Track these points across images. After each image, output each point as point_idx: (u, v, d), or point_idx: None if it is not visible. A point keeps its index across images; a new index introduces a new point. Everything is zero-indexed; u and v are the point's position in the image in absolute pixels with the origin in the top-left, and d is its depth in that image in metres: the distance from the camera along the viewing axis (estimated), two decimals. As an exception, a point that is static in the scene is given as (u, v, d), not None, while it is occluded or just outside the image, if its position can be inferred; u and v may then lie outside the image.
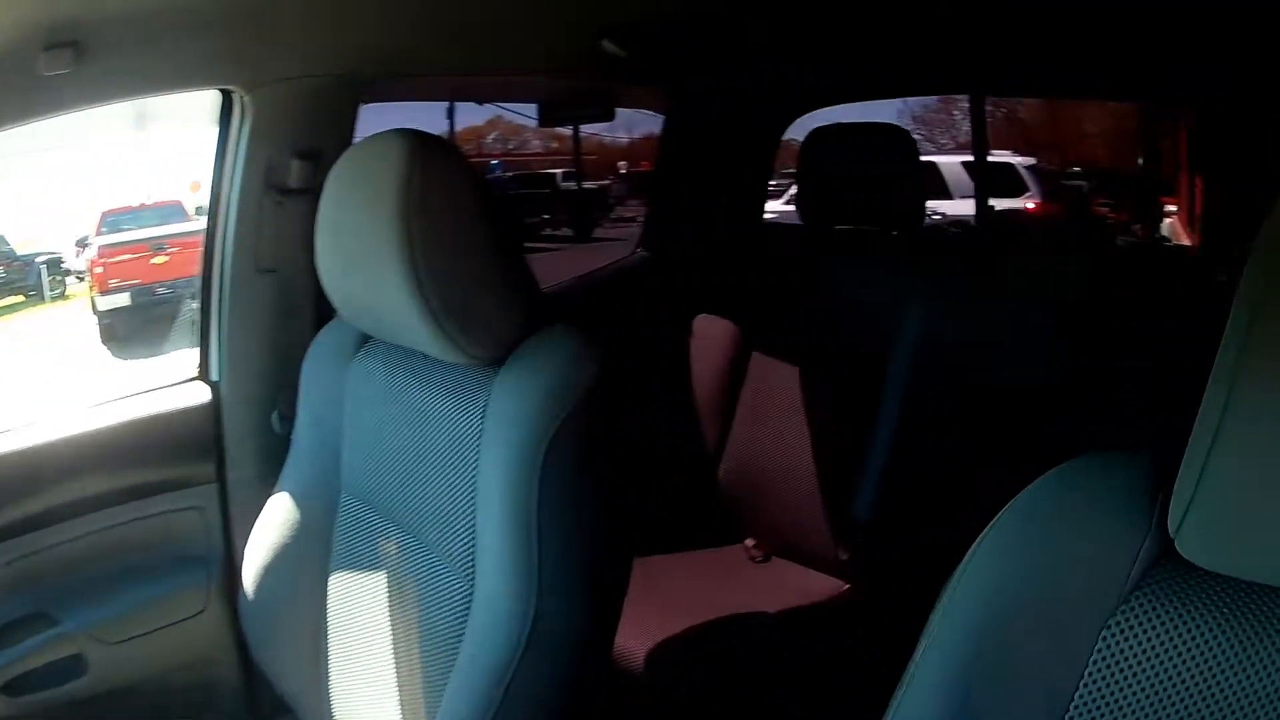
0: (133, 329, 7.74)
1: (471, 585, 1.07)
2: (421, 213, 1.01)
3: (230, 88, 1.47)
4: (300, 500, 1.30)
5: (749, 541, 2.08)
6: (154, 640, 1.54)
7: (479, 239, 1.06)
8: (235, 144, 1.50)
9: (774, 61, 2.01)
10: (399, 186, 1.01)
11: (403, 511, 1.17)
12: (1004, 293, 1.93)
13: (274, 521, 1.30)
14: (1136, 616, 0.65)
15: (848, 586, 1.94)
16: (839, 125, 2.09)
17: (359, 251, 1.08)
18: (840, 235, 2.08)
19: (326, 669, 1.27)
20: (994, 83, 2.51)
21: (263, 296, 1.56)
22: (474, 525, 1.07)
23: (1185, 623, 0.63)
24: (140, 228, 8.10)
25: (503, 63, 1.76)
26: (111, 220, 8.64)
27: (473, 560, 1.07)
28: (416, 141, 1.04)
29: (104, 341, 7.84)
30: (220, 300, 1.57)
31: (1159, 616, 0.64)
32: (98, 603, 1.51)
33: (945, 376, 1.92)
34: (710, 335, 2.14)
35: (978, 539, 0.74)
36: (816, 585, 1.95)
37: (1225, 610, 0.62)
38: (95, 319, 8.25)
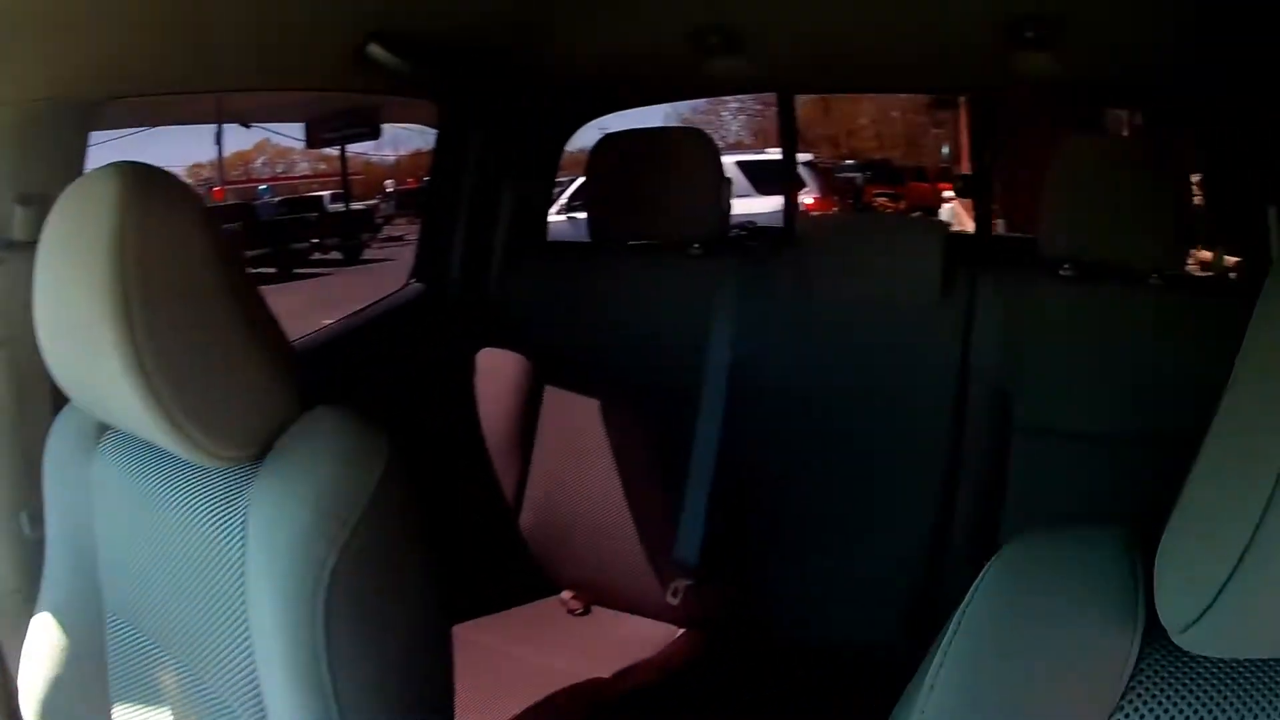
0: None
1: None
2: (140, 275, 0.77)
3: None
4: (65, 620, 1.05)
5: (566, 594, 1.89)
6: None
7: (218, 306, 0.82)
8: None
9: (560, 65, 1.83)
10: (109, 242, 0.77)
11: (173, 638, 0.94)
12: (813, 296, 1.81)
13: (42, 647, 1.06)
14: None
15: (682, 632, 1.80)
16: (632, 131, 1.93)
17: (72, 324, 0.84)
18: (636, 252, 1.93)
19: None
20: (802, 80, 2.40)
21: None
22: (253, 663, 0.84)
23: (1190, 715, 0.57)
24: None
25: (258, 78, 1.51)
26: None
27: (259, 699, 0.84)
28: (132, 180, 0.79)
29: None
30: None
31: (1160, 714, 0.57)
32: None
33: (765, 395, 1.80)
34: (497, 371, 1.94)
35: (941, 643, 0.63)
36: (649, 634, 1.80)
37: (1233, 691, 0.56)
38: None
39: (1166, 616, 0.55)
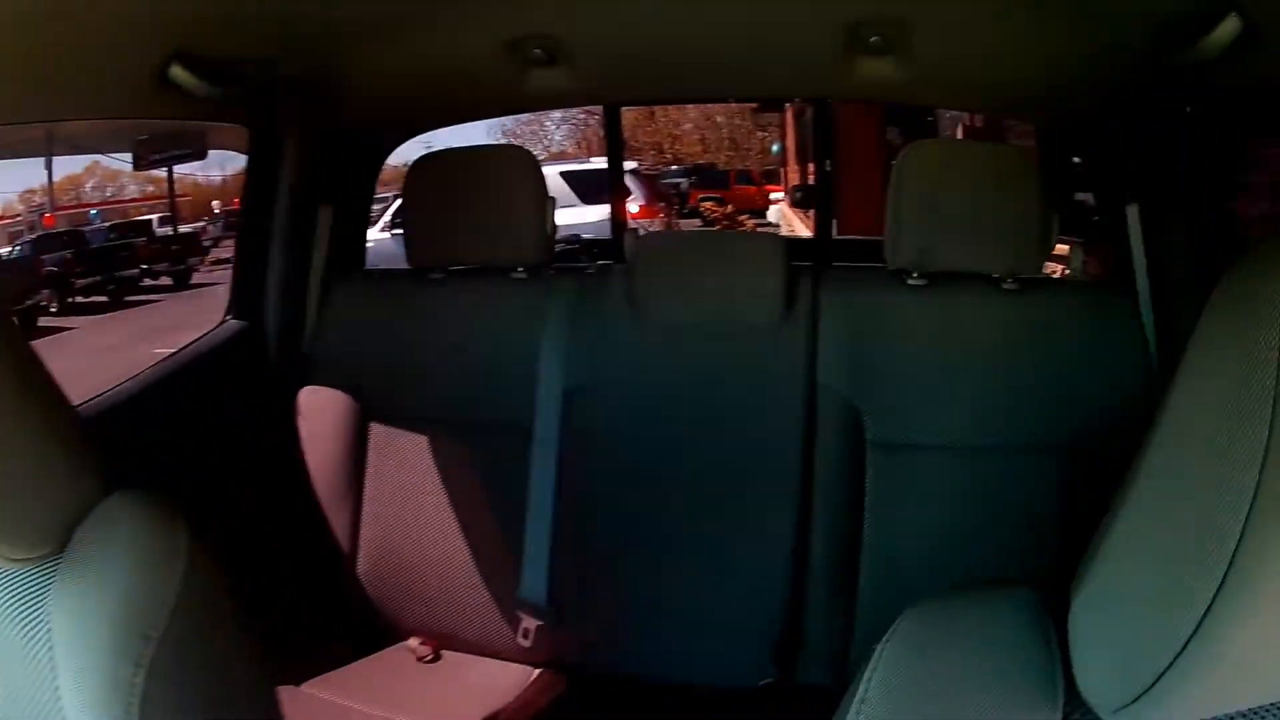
0: None
1: None
2: None
3: None
4: None
5: (413, 640, 1.79)
6: None
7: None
8: None
9: (373, 82, 1.72)
10: None
11: None
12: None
13: None
14: None
15: (539, 673, 1.73)
16: (448, 151, 1.83)
17: None
18: (458, 277, 1.84)
19: None
20: (630, 92, 2.34)
21: None
22: None
23: None
24: None
25: (46, 108, 1.36)
26: None
27: None
28: None
29: None
30: None
31: None
32: None
33: (604, 425, 1.73)
34: (320, 410, 1.83)
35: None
36: (505, 678, 1.73)
37: None
38: None
39: (1094, 696, 0.52)
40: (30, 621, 0.76)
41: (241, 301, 1.88)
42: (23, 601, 0.77)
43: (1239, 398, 0.44)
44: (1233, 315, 0.46)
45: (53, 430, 0.77)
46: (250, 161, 1.84)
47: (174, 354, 1.78)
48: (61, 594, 0.75)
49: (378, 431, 1.82)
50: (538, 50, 1.61)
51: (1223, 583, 0.43)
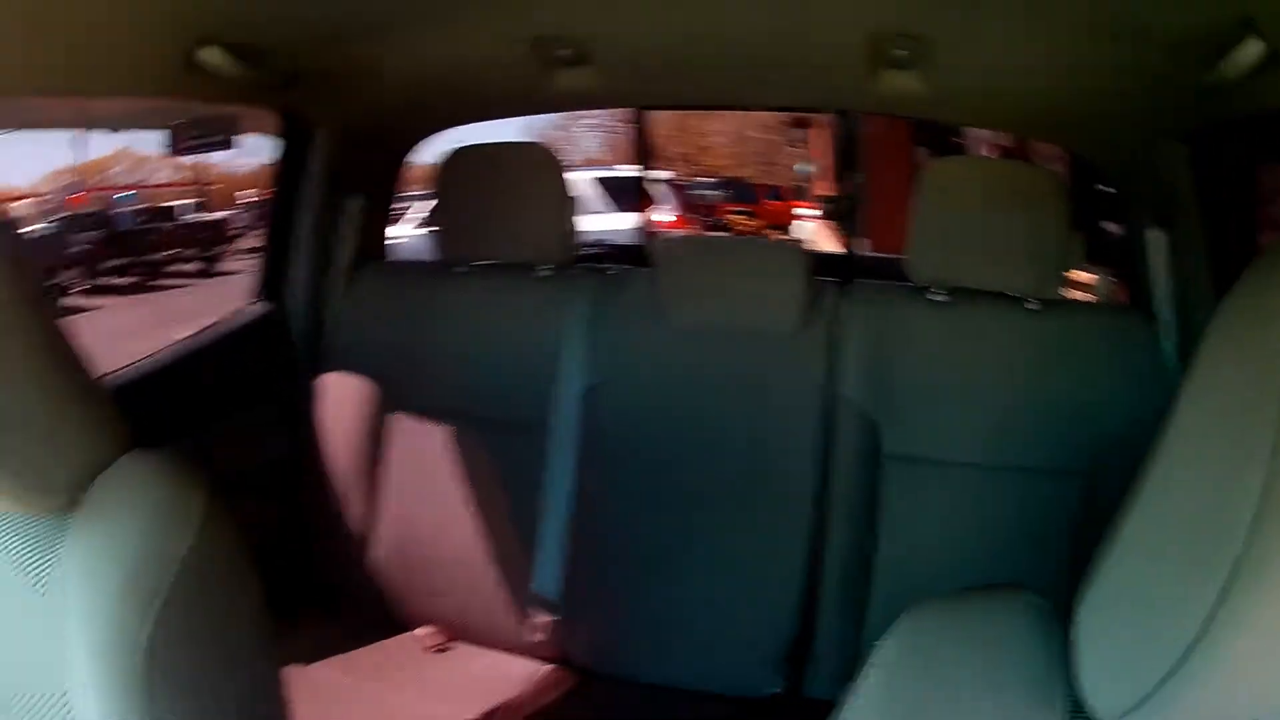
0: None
1: None
2: None
3: None
4: None
5: (422, 629, 1.81)
6: None
7: (15, 343, 0.73)
8: None
9: (401, 74, 1.73)
10: None
11: None
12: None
13: None
14: None
15: (549, 668, 1.74)
16: (476, 146, 1.84)
17: None
18: (482, 273, 1.85)
19: None
20: (657, 95, 2.35)
21: None
22: None
23: None
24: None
25: (77, 83, 1.35)
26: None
27: None
28: None
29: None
30: None
31: None
32: None
33: (621, 425, 1.74)
34: (341, 397, 1.84)
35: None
36: (514, 671, 1.73)
37: None
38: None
39: (1097, 701, 0.51)
40: (42, 572, 0.77)
41: (269, 285, 1.90)
42: (36, 552, 0.78)
43: (1247, 401, 0.43)
44: (1243, 319, 0.46)
45: (71, 387, 0.78)
46: (281, 150, 1.87)
47: (201, 329, 1.81)
48: (74, 546, 0.76)
49: (397, 421, 1.83)
50: (565, 50, 1.62)
51: (1226, 588, 0.42)
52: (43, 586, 0.77)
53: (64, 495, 0.77)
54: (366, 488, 1.83)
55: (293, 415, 1.85)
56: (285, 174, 1.87)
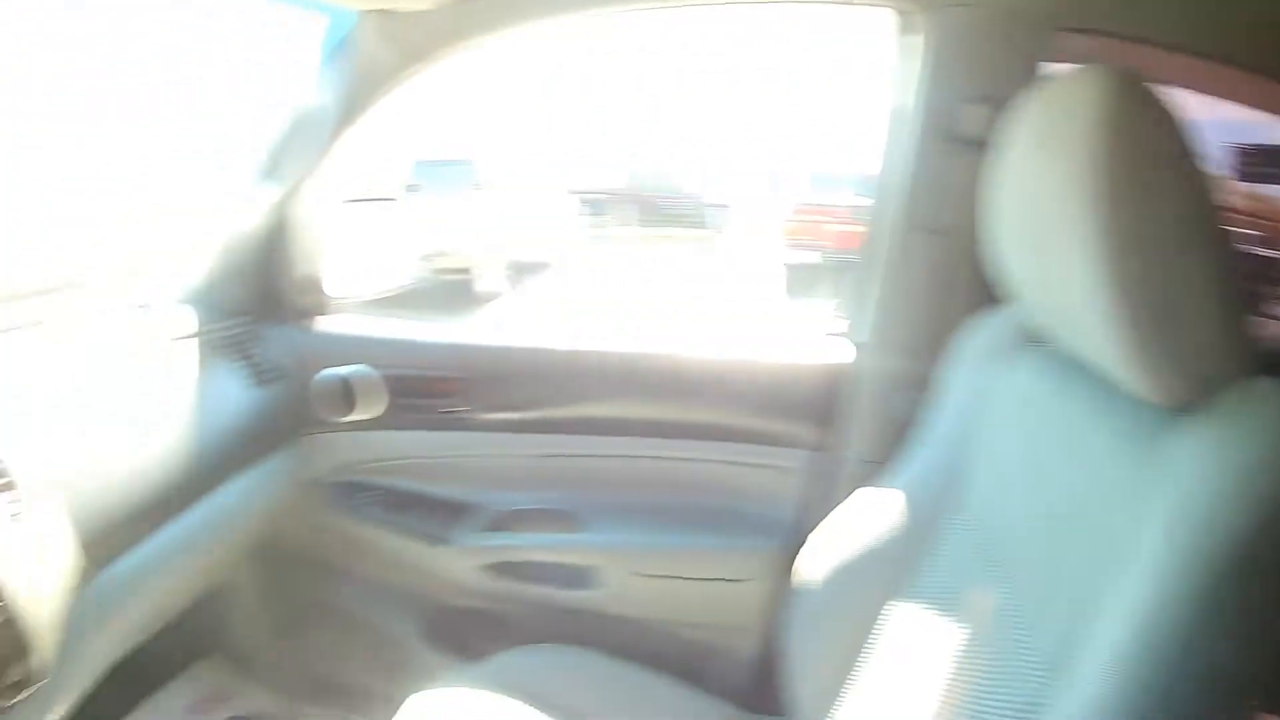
0: (808, 284, 9.05)
1: (1051, 690, 0.76)
2: (1125, 190, 0.72)
3: (906, 5, 1.35)
4: (902, 504, 1.08)
5: None
6: (681, 587, 1.47)
7: (1198, 234, 0.73)
8: (910, 80, 1.37)
9: None
10: (1089, 149, 0.73)
11: (1014, 565, 0.90)
12: None
13: (860, 513, 1.11)
14: None
15: None
16: None
17: (1036, 228, 0.83)
18: None
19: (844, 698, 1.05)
20: None
21: (924, 261, 1.37)
22: (1098, 614, 0.73)
23: None
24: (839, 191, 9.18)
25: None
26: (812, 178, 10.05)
27: (1074, 652, 0.75)
28: (1113, 87, 0.73)
29: (787, 291, 9.40)
30: (880, 259, 1.41)
31: None
32: (635, 526, 1.46)
33: None
34: None
35: None
36: None
37: None
38: (780, 268, 9.88)
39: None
40: (1140, 461, 0.76)
41: None
42: (1144, 442, 0.77)
43: None
44: None
45: (1228, 300, 0.74)
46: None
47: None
48: (1183, 445, 0.72)
49: None
50: None
51: None
52: (1140, 476, 0.75)
53: (1194, 394, 0.74)
54: None
55: None
56: None
